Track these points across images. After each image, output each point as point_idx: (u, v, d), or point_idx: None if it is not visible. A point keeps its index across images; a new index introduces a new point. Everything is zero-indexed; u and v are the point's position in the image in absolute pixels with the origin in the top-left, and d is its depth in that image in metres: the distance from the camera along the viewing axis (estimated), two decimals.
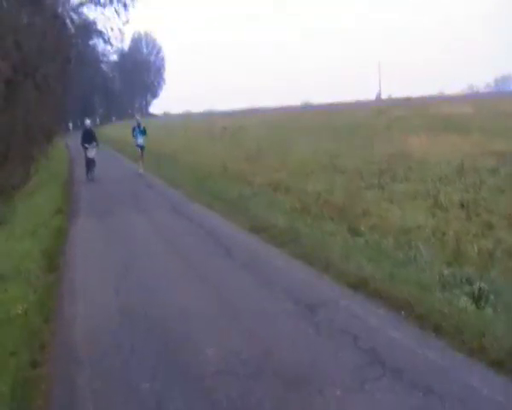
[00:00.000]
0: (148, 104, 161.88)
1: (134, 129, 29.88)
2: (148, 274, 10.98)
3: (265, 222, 14.42)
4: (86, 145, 28.09)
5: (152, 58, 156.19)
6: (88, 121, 30.46)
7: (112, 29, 32.78)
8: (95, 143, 28.33)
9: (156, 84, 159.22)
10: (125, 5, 27.10)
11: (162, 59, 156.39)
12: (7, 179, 27.00)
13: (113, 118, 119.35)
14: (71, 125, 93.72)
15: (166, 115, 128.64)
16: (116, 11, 27.31)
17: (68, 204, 21.17)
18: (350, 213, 14.44)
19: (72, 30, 38.55)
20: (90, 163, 28.07)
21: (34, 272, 11.01)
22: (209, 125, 55.94)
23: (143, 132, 29.74)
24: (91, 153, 28.05)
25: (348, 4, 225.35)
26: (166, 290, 9.86)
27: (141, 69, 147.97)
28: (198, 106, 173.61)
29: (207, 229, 14.61)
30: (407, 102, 50.71)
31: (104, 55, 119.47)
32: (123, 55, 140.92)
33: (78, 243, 14.39)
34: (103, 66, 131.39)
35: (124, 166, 34.40)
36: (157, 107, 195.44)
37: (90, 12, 44.98)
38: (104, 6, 27.91)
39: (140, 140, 29.66)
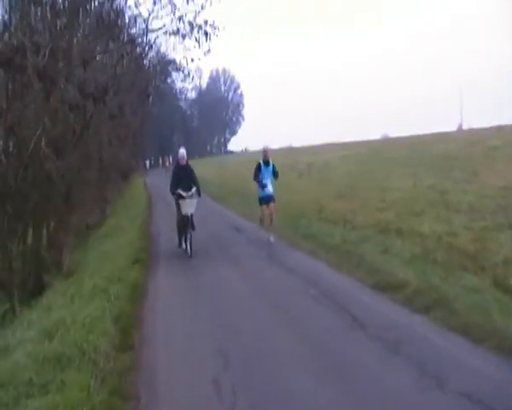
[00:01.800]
0: (226, 141, 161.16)
1: (259, 167, 18.62)
2: (257, 363, 7.93)
3: (389, 276, 11.72)
4: (181, 192, 17.17)
5: (230, 95, 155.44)
6: (183, 151, 18.03)
7: (192, 60, 30.69)
8: (194, 191, 17.40)
9: (234, 120, 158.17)
10: (206, 33, 24.56)
11: (240, 95, 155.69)
12: (83, 219, 24.97)
13: (196, 156, 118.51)
14: (148, 162, 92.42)
15: (245, 152, 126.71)
16: (197, 40, 24.84)
17: (147, 252, 18.81)
18: (486, 260, 11.76)
19: (150, 66, 37.93)
20: (186, 224, 17.28)
21: (103, 352, 8.27)
22: (291, 162, 53.28)
23: (273, 173, 18.92)
24: (189, 207, 17.32)
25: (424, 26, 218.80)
26: (294, 394, 6.78)
27: (219, 106, 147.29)
28: (276, 142, 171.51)
29: (319, 285, 11.85)
30: (499, 131, 46.58)
31: (182, 92, 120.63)
32: (201, 93, 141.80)
33: (159, 307, 11.79)
34: (181, 103, 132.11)
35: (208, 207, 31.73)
36: (235, 144, 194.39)
37: (167, 43, 43.50)
38: (184, 37, 25.49)
39: (268, 186, 18.67)
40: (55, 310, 11.21)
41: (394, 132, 71.56)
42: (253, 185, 18.84)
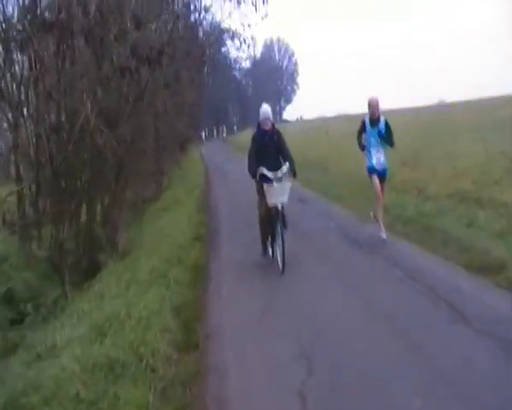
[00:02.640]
0: (281, 110, 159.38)
1: (363, 127, 13.56)
2: (346, 363, 6.68)
3: (483, 254, 10.38)
4: (265, 172, 11.83)
5: (285, 63, 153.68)
6: (267, 109, 12.25)
7: (249, 25, 29.76)
8: (286, 169, 11.86)
9: (289, 89, 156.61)
10: None
11: (295, 64, 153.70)
12: (138, 193, 23.93)
13: (251, 125, 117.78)
14: (204, 134, 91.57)
15: (301, 120, 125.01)
16: (253, 4, 23.84)
17: (206, 227, 17.65)
18: None
19: (205, 34, 37.16)
20: (274, 221, 11.84)
21: (162, 355, 7.08)
22: (349, 128, 51.70)
23: (385, 136, 13.26)
24: (279, 194, 11.60)
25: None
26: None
27: (274, 75, 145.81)
28: (331, 110, 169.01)
29: (403, 266, 10.55)
30: None
31: (237, 61, 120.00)
32: (255, 62, 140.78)
33: (224, 292, 10.47)
34: (236, 73, 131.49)
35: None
36: (291, 113, 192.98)
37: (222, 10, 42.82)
38: (239, 3, 24.52)
39: (377, 155, 13.55)
40: (108, 300, 10.00)
41: (450, 97, 69.18)
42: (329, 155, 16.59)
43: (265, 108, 12.17)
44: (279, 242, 11.44)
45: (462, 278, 9.50)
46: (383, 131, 13.13)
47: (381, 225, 13.20)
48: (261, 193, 12.12)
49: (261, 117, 12.08)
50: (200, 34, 36.30)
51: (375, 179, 13.59)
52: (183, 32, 24.11)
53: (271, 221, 11.88)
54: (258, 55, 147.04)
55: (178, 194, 26.10)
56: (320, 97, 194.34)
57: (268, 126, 12.07)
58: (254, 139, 12.24)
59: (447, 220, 13.50)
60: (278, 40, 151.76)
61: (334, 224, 15.45)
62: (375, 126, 13.19)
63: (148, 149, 20.96)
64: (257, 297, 9.82)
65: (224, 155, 58.62)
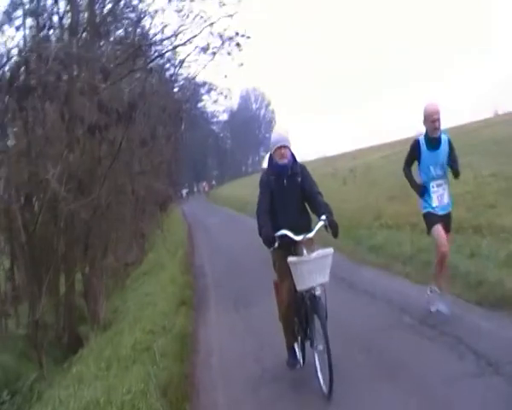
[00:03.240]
0: (261, 159, 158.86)
1: (417, 150, 9.34)
2: None
3: (494, 286, 9.42)
4: (290, 235, 7.13)
5: (262, 112, 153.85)
6: (280, 132, 7.86)
7: (225, 76, 29.38)
8: (321, 225, 7.39)
9: (268, 137, 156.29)
10: (237, 45, 22.87)
11: (272, 112, 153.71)
12: (120, 259, 23.00)
13: (229, 177, 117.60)
14: (185, 191, 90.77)
15: None
16: (229, 53, 23.19)
17: (192, 288, 16.46)
18: None
19: (181, 90, 36.79)
20: (308, 313, 7.22)
21: None
22: (331, 170, 51.03)
23: (449, 162, 9.27)
24: (315, 271, 6.95)
25: None
26: None
27: (251, 125, 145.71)
28: (311, 153, 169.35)
29: (411, 310, 9.56)
30: None
31: (214, 115, 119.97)
32: (232, 113, 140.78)
33: (215, 364, 9.36)
34: (214, 127, 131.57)
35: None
36: None
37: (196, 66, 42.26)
38: (214, 53, 23.89)
39: (444, 195, 9.52)
40: (87, 383, 8.94)
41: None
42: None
43: (279, 133, 7.87)
44: (319, 346, 6.90)
45: (479, 316, 8.55)
46: (447, 154, 9.10)
47: (443, 295, 9.20)
48: (283, 270, 7.53)
49: (274, 143, 7.63)
50: (176, 89, 35.84)
51: (439, 231, 9.08)
52: (158, 87, 23.49)
53: (303, 314, 7.42)
54: (235, 106, 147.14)
55: (161, 256, 25.19)
56: (299, 143, 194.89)
57: (286, 158, 7.52)
58: (264, 183, 7.64)
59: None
60: (254, 90, 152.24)
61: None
62: (435, 148, 9.01)
63: (126, 212, 20.04)
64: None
65: (206, 209, 57.79)
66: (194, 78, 35.69)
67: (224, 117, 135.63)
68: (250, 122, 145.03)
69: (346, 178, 37.38)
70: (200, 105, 67.48)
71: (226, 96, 40.58)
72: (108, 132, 13.72)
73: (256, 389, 7.34)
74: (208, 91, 46.55)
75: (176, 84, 36.49)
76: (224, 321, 11.88)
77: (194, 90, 41.47)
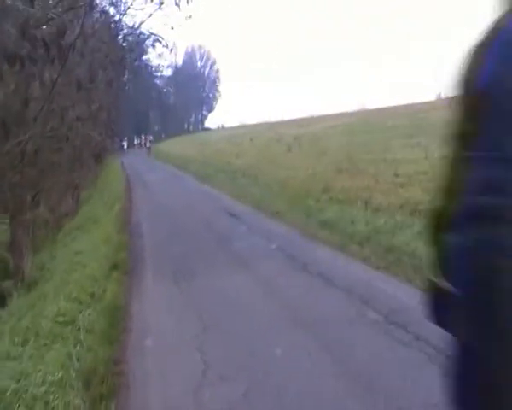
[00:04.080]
0: (203, 118, 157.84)
1: None
2: None
3: None
4: None
5: (206, 71, 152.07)
6: None
7: (172, 28, 27.88)
8: None
9: (211, 96, 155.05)
10: None
11: (217, 71, 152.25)
12: (54, 210, 21.54)
13: (173, 134, 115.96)
14: (126, 143, 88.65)
15: (222, 128, 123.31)
16: (177, 4, 21.66)
17: (127, 249, 15.02)
18: None
19: (125, 39, 35.05)
20: None
21: None
22: (275, 135, 49.88)
23: None
24: None
25: None
26: None
27: (195, 83, 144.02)
28: (253, 118, 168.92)
29: (378, 305, 8.32)
30: None
31: (158, 69, 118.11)
32: (177, 70, 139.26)
33: (149, 346, 7.98)
34: (157, 81, 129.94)
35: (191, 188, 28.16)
36: (213, 121, 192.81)
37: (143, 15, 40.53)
38: (162, 3, 22.34)
39: None
40: None
41: (370, 104, 67.34)
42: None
43: None
44: None
45: None
46: None
47: None
48: None
49: None
50: (120, 37, 34.21)
51: None
52: (101, 31, 21.85)
53: None
54: (180, 62, 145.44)
55: (97, 209, 23.77)
56: (241, 106, 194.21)
57: None
58: None
59: (407, 238, 11.56)
60: (200, 47, 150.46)
61: (275, 245, 13.18)
62: None
63: (60, 161, 18.49)
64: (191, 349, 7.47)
65: (146, 164, 56.02)
66: (139, 26, 34.30)
67: (168, 72, 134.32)
68: (194, 80, 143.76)
69: (290, 145, 36.26)
70: (144, 58, 65.98)
71: (171, 50, 39.19)
72: (36, 67, 12.01)
73: (198, 391, 6.13)
74: (153, 43, 45.00)
75: (120, 32, 34.94)
76: (161, 294, 10.51)
77: (138, 39, 40.02)
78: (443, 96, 54.85)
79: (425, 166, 19.19)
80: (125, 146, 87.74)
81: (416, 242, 11.04)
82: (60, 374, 6.34)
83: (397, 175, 18.98)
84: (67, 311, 8.95)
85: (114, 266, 12.53)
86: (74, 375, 6.47)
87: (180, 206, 22.41)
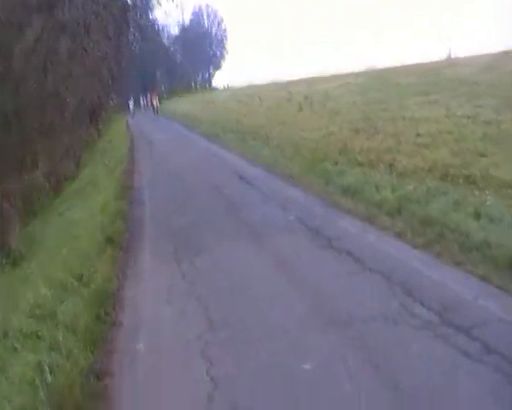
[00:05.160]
0: (211, 77, 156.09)
1: None
2: None
3: None
4: None
5: (214, 29, 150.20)
6: None
7: None
8: None
9: (219, 55, 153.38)
10: None
11: (224, 30, 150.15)
12: (50, 173, 20.14)
13: (180, 93, 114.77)
14: (132, 103, 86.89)
15: (230, 88, 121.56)
16: None
17: (125, 220, 13.49)
18: None
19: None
20: None
21: None
22: (285, 94, 48.14)
23: None
24: None
25: None
26: None
27: (202, 42, 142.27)
28: (262, 78, 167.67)
29: (422, 295, 6.71)
30: (506, 55, 41.52)
31: (165, 29, 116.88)
32: (184, 29, 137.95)
33: (142, 351, 6.46)
34: (164, 40, 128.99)
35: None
36: (220, 80, 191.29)
37: None
38: None
39: None
40: None
41: (378, 64, 65.70)
42: None
43: None
44: None
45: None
46: None
47: None
48: None
49: None
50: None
51: None
52: None
53: None
54: (187, 21, 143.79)
55: (97, 172, 22.38)
56: (249, 65, 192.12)
57: None
58: None
59: (444, 208, 9.95)
60: (207, 6, 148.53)
61: (293, 215, 11.60)
62: None
63: (54, 120, 17.00)
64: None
65: (152, 124, 54.15)
66: None
67: (175, 31, 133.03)
68: (201, 38, 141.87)
69: (301, 104, 34.63)
70: (151, 17, 64.83)
71: (177, 6, 37.58)
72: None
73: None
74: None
75: None
76: (159, 277, 8.95)
77: None
78: (453, 55, 53.65)
79: (448, 126, 17.77)
80: (132, 105, 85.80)
81: (456, 213, 9.53)
82: (29, 389, 4.87)
83: (419, 135, 17.42)
84: (47, 300, 7.55)
85: (109, 240, 11.10)
86: (44, 397, 4.98)
87: (186, 168, 20.83)
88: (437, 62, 47.32)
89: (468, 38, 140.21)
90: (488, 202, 9.74)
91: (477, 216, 9.24)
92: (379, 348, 5.58)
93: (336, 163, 15.95)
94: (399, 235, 9.27)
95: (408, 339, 5.67)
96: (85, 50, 16.60)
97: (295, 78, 78.30)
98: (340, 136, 20.20)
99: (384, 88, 35.90)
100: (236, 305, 7.25)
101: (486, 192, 10.34)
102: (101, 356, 6.31)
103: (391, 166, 14.00)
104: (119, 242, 11.24)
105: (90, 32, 16.40)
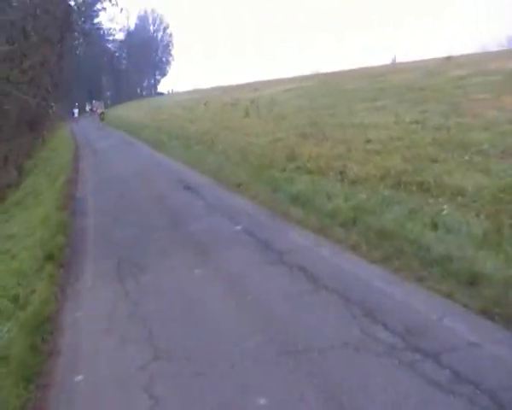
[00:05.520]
0: (156, 83, 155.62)
1: None
2: None
3: (495, 288, 6.50)
4: None
5: (159, 35, 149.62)
6: None
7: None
8: None
9: (164, 61, 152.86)
10: None
11: (170, 35, 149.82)
12: None
13: (126, 99, 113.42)
14: (77, 110, 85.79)
15: (176, 93, 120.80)
16: None
17: (66, 233, 12.80)
18: None
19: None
20: None
21: None
22: (230, 99, 47.78)
23: None
24: None
25: None
26: None
27: (148, 47, 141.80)
28: (207, 82, 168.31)
29: (384, 318, 6.23)
30: (448, 61, 41.86)
31: (110, 33, 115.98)
32: (129, 34, 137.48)
33: (79, 389, 5.84)
34: (109, 45, 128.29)
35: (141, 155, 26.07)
36: (166, 86, 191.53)
37: None
38: None
39: None
40: None
41: (323, 68, 65.71)
42: None
43: None
44: None
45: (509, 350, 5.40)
46: None
47: None
48: None
49: None
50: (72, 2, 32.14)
51: None
52: None
53: None
54: (133, 27, 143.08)
55: (40, 181, 21.66)
56: (194, 71, 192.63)
57: None
58: None
59: (400, 218, 9.56)
60: (152, 12, 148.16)
61: (240, 226, 11.12)
62: None
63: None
64: None
65: (97, 131, 53.23)
66: None
67: (120, 36, 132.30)
68: (147, 44, 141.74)
69: (247, 109, 34.21)
70: (95, 21, 64.37)
71: (122, 10, 36.88)
72: None
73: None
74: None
75: None
76: (102, 296, 8.35)
77: (88, 2, 38.18)
78: (397, 60, 54.27)
79: (398, 132, 17.53)
80: (76, 112, 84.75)
81: (412, 224, 9.14)
82: None
83: (369, 141, 17.11)
84: None
85: (49, 256, 10.43)
86: None
87: (131, 177, 20.20)
88: (382, 67, 47.60)
89: (412, 43, 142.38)
90: (445, 211, 9.40)
91: (434, 226, 8.86)
92: (340, 381, 5.09)
93: (284, 170, 15.54)
94: (354, 248, 8.81)
95: (372, 369, 5.19)
96: (24, 55, 15.90)
97: (240, 82, 78.36)
98: (288, 142, 19.79)
99: (331, 93, 35.83)
100: (182, 329, 6.74)
101: (441, 200, 10.03)
102: (35, 392, 5.72)
103: (342, 173, 13.61)
104: (60, 258, 10.61)
105: (28, 36, 15.72)
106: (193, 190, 15.58)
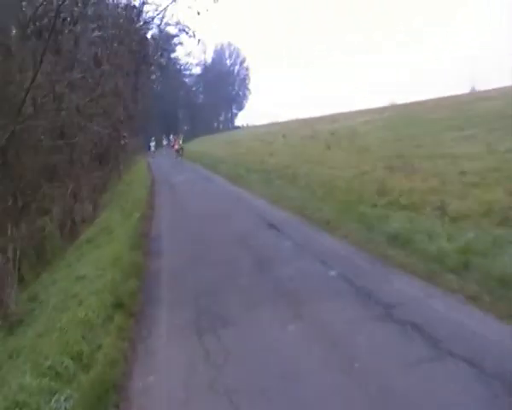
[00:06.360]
0: (233, 116, 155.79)
1: None
2: None
3: None
4: None
5: (236, 68, 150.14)
6: None
7: (198, 13, 25.54)
8: None
9: (241, 94, 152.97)
10: None
11: (247, 69, 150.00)
12: (64, 216, 18.77)
13: (202, 133, 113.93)
14: (153, 143, 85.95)
15: (250, 126, 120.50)
16: None
17: (139, 276, 11.76)
18: None
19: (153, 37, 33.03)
20: None
21: None
22: (310, 132, 46.77)
23: None
24: None
25: None
26: None
27: (225, 81, 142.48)
28: (285, 115, 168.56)
29: None
30: None
31: (186, 68, 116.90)
32: (206, 68, 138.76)
33: None
34: (186, 79, 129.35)
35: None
36: (243, 119, 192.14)
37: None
38: None
39: None
40: None
41: (400, 99, 64.64)
42: None
43: None
44: None
45: None
46: None
47: None
48: None
49: None
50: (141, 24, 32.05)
51: None
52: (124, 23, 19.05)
53: None
54: (209, 60, 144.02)
55: (113, 217, 20.78)
56: (272, 102, 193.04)
57: None
58: None
59: None
60: (229, 45, 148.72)
61: (335, 271, 9.84)
62: None
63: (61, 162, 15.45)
64: None
65: (174, 165, 52.59)
66: (162, 12, 32.41)
67: (197, 70, 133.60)
68: (224, 78, 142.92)
69: (328, 141, 33.20)
70: (173, 56, 64.86)
71: (199, 41, 36.43)
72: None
73: None
74: (179, 32, 43.10)
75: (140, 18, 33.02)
76: (178, 359, 7.05)
77: (163, 35, 38.28)
78: (477, 88, 52.73)
79: (493, 162, 16.29)
80: (153, 146, 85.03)
81: None
82: None
83: (463, 173, 15.88)
84: (31, 396, 5.75)
85: (119, 304, 9.35)
86: None
87: (209, 214, 19.09)
88: (462, 96, 46.32)
89: (491, 69, 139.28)
90: None
91: None
92: None
93: (375, 205, 14.45)
94: (474, 300, 7.45)
95: None
96: (98, 84, 15.09)
97: (318, 114, 77.59)
98: (375, 175, 18.86)
99: (414, 123, 34.66)
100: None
101: None
102: None
103: (440, 209, 12.32)
104: (130, 305, 9.52)
105: (100, 63, 14.96)
106: (277, 229, 14.43)
